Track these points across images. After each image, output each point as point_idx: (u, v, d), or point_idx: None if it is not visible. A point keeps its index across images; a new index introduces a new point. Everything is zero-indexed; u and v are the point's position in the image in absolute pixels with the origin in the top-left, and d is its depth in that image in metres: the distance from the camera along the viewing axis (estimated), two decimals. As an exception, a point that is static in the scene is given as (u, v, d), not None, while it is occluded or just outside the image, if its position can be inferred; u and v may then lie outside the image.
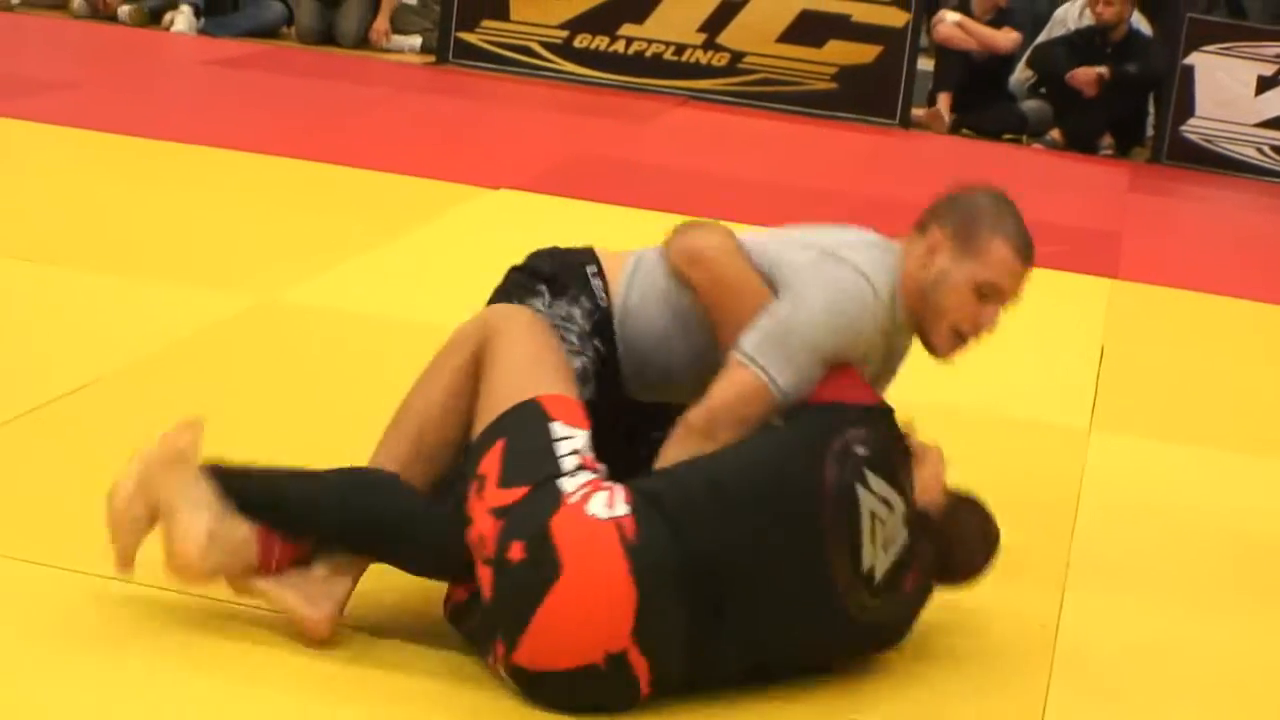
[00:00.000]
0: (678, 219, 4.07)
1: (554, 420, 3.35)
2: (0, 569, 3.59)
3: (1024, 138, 10.98)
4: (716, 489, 3.33)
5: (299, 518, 3.41)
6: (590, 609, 3.18)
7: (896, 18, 10.86)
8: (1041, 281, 7.14)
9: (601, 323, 3.75)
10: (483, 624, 3.31)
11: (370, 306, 5.71)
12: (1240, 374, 6.31)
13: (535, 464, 3.29)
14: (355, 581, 3.43)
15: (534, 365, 3.45)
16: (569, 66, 11.19)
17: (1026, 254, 3.76)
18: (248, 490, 3.40)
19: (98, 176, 7.28)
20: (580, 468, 3.30)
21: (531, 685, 3.24)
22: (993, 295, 3.75)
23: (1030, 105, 11.05)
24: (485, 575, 3.25)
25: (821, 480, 3.36)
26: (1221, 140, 10.62)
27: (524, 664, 3.22)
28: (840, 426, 3.45)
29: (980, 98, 11.02)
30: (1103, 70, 10.57)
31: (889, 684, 3.54)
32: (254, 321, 5.45)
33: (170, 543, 3.34)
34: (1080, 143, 10.75)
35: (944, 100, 11.00)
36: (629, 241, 4.03)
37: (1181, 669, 3.84)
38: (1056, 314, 6.81)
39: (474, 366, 3.47)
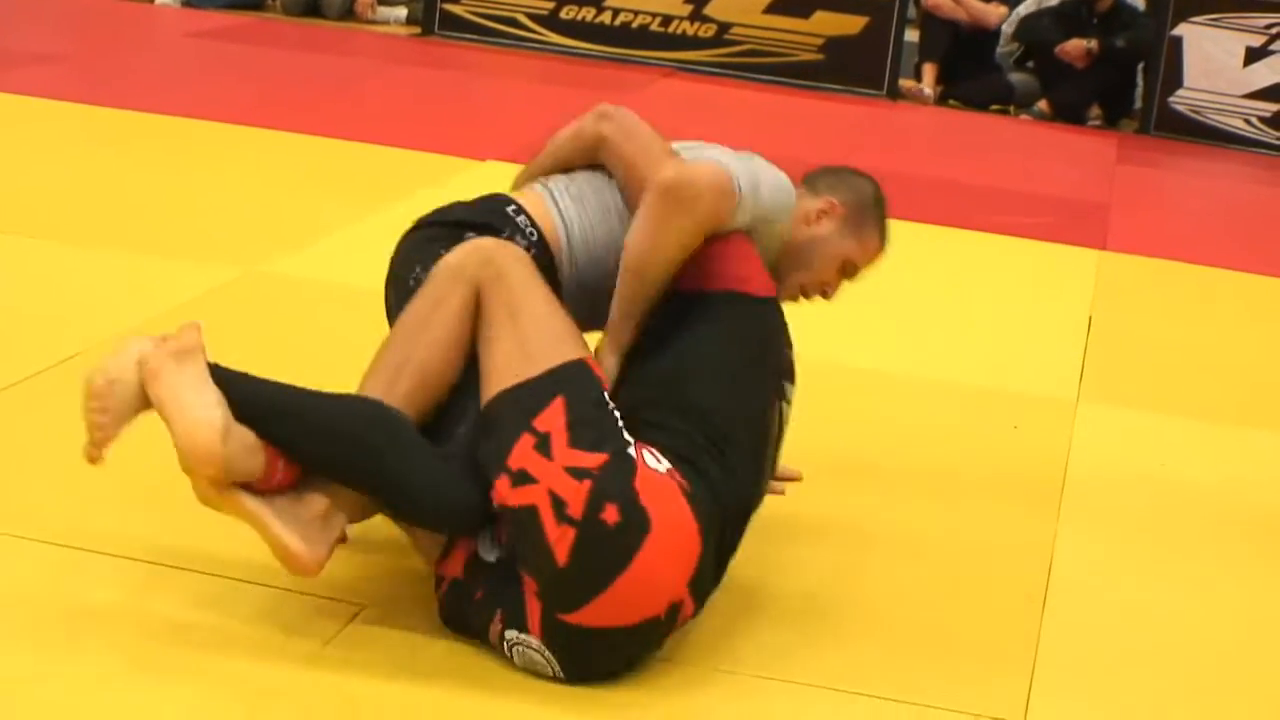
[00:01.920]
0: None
1: (601, 384, 3.40)
2: (-15, 542, 3.59)
3: (1011, 108, 10.96)
4: (721, 441, 3.43)
5: (305, 441, 3.29)
6: (673, 560, 3.27)
7: (883, -11, 10.85)
8: (1029, 252, 7.23)
9: (540, 258, 3.64)
10: (509, 590, 3.27)
11: (357, 278, 5.68)
12: (1227, 345, 6.31)
13: (604, 430, 3.30)
14: (348, 523, 3.36)
15: (563, 319, 3.46)
16: (555, 38, 11.16)
17: (885, 251, 4.06)
18: (253, 400, 3.29)
19: (81, 149, 7.26)
20: (628, 431, 3.35)
21: (580, 645, 3.25)
22: (849, 275, 4.02)
23: (1017, 76, 11.04)
24: (565, 535, 3.20)
25: (773, 419, 3.63)
26: (1209, 111, 10.60)
27: (587, 623, 3.22)
28: (779, 363, 3.71)
29: (967, 68, 11.00)
30: (1092, 44, 10.55)
31: (872, 654, 3.55)
32: (240, 292, 5.43)
33: (185, 428, 3.21)
34: (1068, 114, 10.74)
35: (930, 70, 10.98)
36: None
37: (1169, 638, 3.84)
38: (1044, 285, 6.82)
39: (474, 306, 3.42)
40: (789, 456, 3.84)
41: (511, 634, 3.29)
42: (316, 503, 3.30)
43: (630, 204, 3.70)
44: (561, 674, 3.27)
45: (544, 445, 3.26)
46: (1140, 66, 10.89)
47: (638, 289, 3.59)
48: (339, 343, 5.03)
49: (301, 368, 4.31)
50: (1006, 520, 4.34)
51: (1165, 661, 3.73)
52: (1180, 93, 10.62)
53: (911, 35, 11.12)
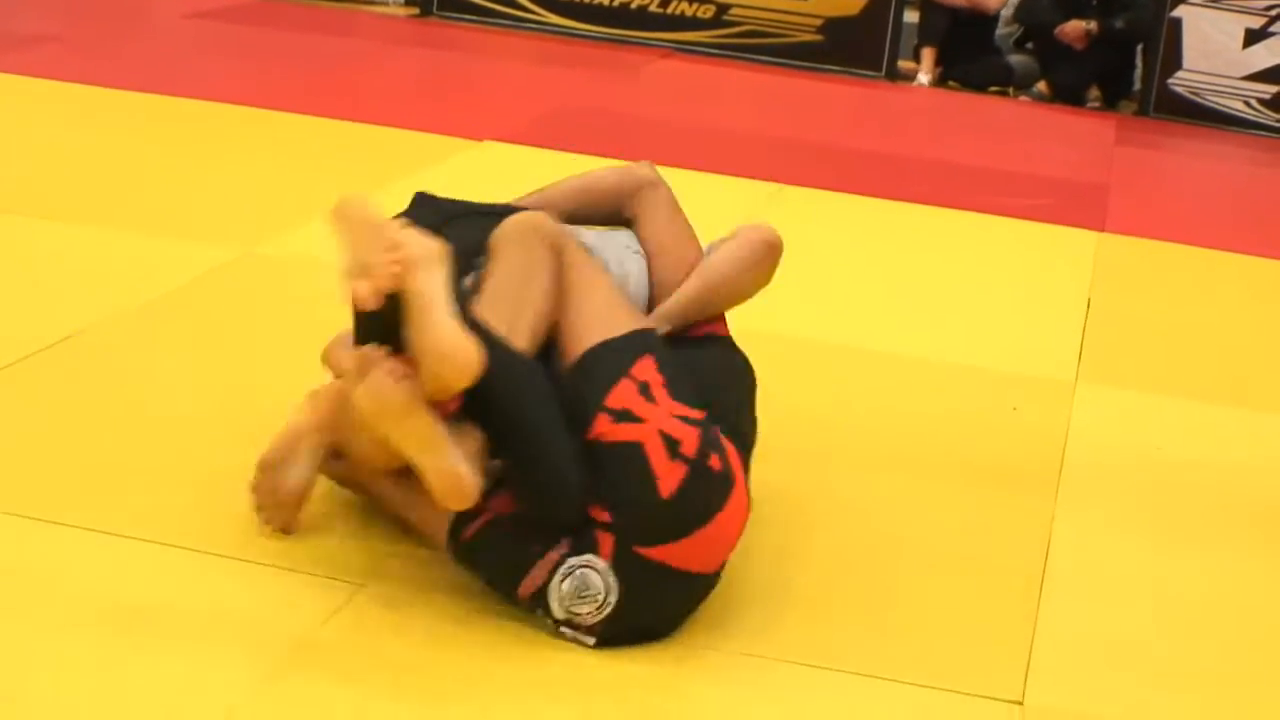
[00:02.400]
0: (664, 171, 4.09)
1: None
2: (-16, 521, 3.59)
3: (1010, 90, 10.95)
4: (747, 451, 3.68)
5: (495, 381, 3.28)
6: (738, 522, 3.47)
7: (883, -30, 10.82)
8: (1028, 234, 7.22)
9: None
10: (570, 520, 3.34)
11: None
12: (1226, 327, 6.31)
13: (693, 391, 3.49)
14: None
15: (622, 292, 3.72)
16: (554, 19, 11.14)
17: None
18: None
19: (81, 130, 7.25)
20: None
21: (648, 581, 3.32)
22: None
23: (1016, 58, 11.03)
24: (675, 471, 3.33)
25: None
26: (1208, 93, 10.59)
27: (662, 559, 3.32)
28: None
29: (966, 50, 10.99)
30: (1091, 26, 10.54)
31: (869, 634, 3.55)
32: (239, 272, 5.43)
33: (449, 331, 3.20)
34: (1067, 95, 10.73)
35: (928, 55, 10.96)
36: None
37: (1167, 619, 3.84)
38: (1043, 266, 6.81)
39: (557, 263, 3.58)
40: (788, 433, 3.84)
41: (576, 559, 3.31)
42: (474, 439, 3.31)
43: (661, 247, 3.97)
44: (611, 606, 3.31)
45: (645, 391, 3.41)
46: (1139, 48, 10.88)
47: (704, 307, 3.93)
48: (339, 321, 5.03)
49: (300, 348, 4.33)
50: (1004, 501, 4.34)
51: (1163, 642, 3.73)
52: (1179, 74, 10.61)
53: (911, 16, 11.10)
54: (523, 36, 10.98)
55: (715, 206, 5.58)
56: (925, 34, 11.03)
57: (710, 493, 3.39)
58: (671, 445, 3.36)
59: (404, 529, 3.63)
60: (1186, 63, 10.59)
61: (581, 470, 3.33)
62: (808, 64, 10.86)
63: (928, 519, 4.18)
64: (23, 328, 4.68)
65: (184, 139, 7.25)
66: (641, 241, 4.01)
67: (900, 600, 3.72)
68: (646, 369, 3.45)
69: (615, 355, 3.46)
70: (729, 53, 10.96)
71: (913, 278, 6.40)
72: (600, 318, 3.53)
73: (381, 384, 3.20)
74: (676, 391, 3.44)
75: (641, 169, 4.12)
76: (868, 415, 4.84)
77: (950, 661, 3.48)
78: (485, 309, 3.45)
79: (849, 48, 10.85)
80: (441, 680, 3.21)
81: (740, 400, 3.81)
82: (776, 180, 7.49)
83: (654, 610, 3.38)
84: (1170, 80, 10.61)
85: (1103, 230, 7.40)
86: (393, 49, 10.26)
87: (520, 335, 3.45)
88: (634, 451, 3.34)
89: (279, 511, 3.58)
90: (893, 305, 5.99)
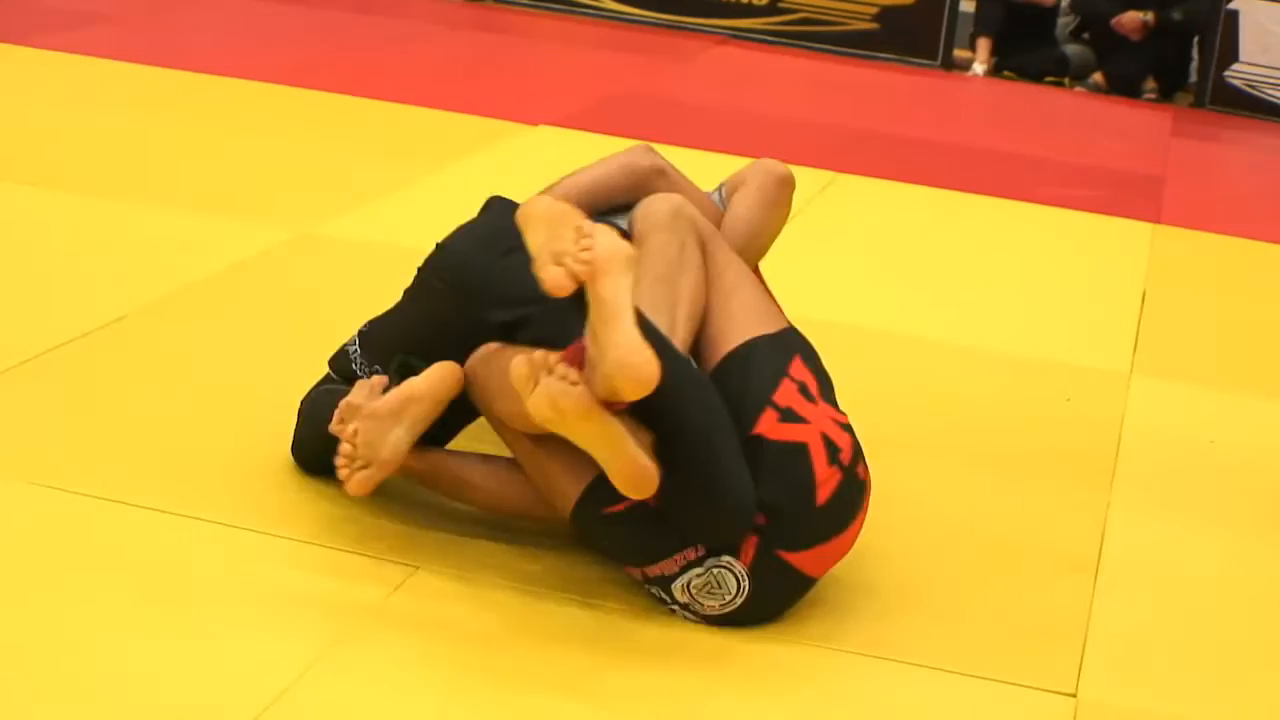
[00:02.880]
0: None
1: None
2: (44, 499, 3.60)
3: (1066, 81, 10.91)
4: None
5: (670, 388, 3.19)
6: (860, 531, 3.46)
7: (939, -42, 10.79)
8: (1083, 225, 7.20)
9: None
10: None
11: (409, 240, 5.68)
12: (1283, 320, 6.27)
13: (833, 393, 3.51)
14: None
15: (763, 287, 3.68)
16: (609, 4, 11.14)
17: None
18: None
19: (134, 109, 7.27)
20: None
21: (780, 584, 3.35)
22: None
23: (1073, 48, 10.98)
24: (832, 477, 3.34)
25: None
26: (1265, 86, 10.53)
27: (798, 564, 3.34)
28: None
29: (1022, 40, 10.95)
30: (1148, 17, 10.50)
31: (924, 624, 3.54)
32: (293, 253, 5.44)
33: (632, 344, 3.07)
34: (1123, 86, 10.68)
35: (984, 45, 10.92)
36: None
37: (1221, 612, 3.82)
38: (1099, 258, 6.78)
39: (704, 254, 3.54)
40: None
41: (714, 560, 3.29)
42: (645, 434, 3.23)
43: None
44: (737, 605, 3.32)
45: (805, 391, 3.40)
46: (1196, 40, 10.83)
47: (747, 261, 3.81)
48: (392, 302, 5.04)
49: (352, 330, 4.33)
50: (1059, 492, 4.32)
51: (1217, 635, 3.71)
52: (1235, 67, 10.55)
53: (967, 5, 11.07)
54: (577, 21, 10.98)
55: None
56: (981, 23, 10.99)
57: (853, 502, 3.39)
58: (832, 450, 3.35)
59: (490, 498, 3.60)
60: (1243, 55, 10.54)
61: (752, 489, 3.26)
62: (863, 52, 10.84)
63: (981, 508, 4.16)
64: (79, 306, 4.69)
65: (236, 119, 7.27)
66: None
67: (953, 590, 3.71)
68: (800, 369, 3.43)
69: (774, 352, 3.43)
70: (784, 40, 10.94)
71: (967, 267, 6.38)
72: (752, 311, 3.49)
73: (557, 390, 3.10)
74: (826, 393, 3.44)
75: (640, 159, 3.98)
76: (920, 404, 4.83)
77: (1003, 653, 3.47)
78: (644, 302, 3.31)
79: (904, 36, 10.82)
80: (502, 654, 3.21)
81: None
82: (831, 169, 7.47)
83: (768, 607, 3.38)
84: (1226, 73, 10.56)
85: (1158, 222, 7.37)
86: (447, 32, 10.27)
87: (679, 331, 3.38)
88: (799, 453, 3.31)
89: (374, 468, 3.43)
90: (947, 294, 5.97)
